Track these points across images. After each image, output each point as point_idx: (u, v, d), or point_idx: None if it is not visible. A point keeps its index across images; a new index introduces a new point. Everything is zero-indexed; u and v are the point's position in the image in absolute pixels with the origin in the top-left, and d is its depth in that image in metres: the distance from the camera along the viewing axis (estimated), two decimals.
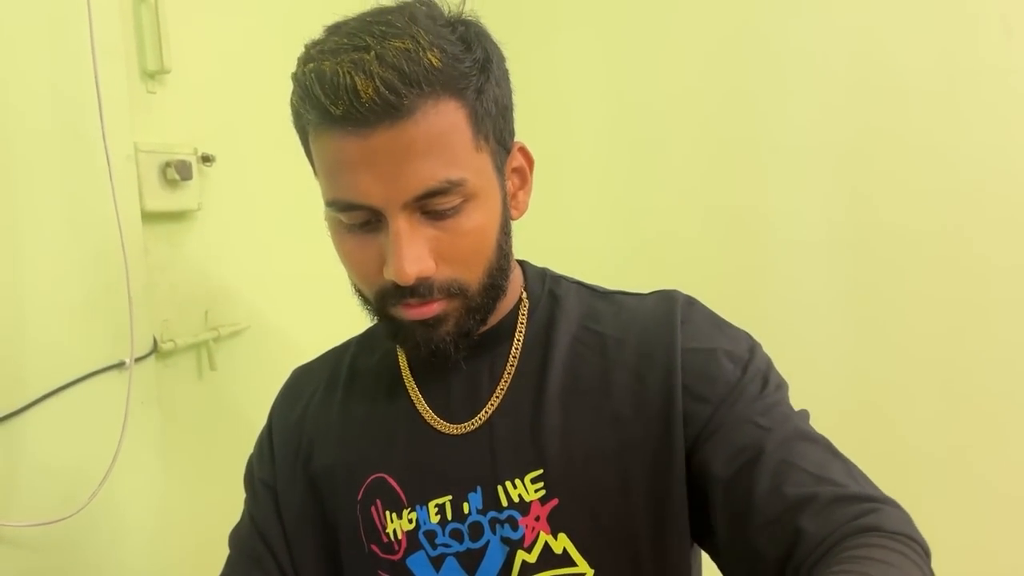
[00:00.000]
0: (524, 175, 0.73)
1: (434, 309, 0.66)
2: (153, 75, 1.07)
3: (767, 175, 1.59)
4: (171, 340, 1.09)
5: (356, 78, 0.58)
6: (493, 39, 0.68)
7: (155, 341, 1.06)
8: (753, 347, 0.72)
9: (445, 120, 0.61)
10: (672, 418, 0.67)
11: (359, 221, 0.64)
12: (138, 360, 0.99)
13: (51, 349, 0.90)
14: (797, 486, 0.61)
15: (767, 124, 1.58)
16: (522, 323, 0.75)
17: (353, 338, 0.86)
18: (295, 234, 1.39)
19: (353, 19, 0.64)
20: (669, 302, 0.74)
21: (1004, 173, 1.43)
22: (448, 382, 0.74)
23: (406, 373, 0.77)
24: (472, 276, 0.67)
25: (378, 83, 0.57)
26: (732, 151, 1.61)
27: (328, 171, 0.64)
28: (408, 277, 0.62)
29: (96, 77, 0.92)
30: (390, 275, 0.63)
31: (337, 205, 0.64)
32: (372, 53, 0.58)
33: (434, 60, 0.59)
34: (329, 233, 0.69)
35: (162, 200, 1.07)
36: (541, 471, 0.69)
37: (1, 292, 0.85)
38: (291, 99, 0.66)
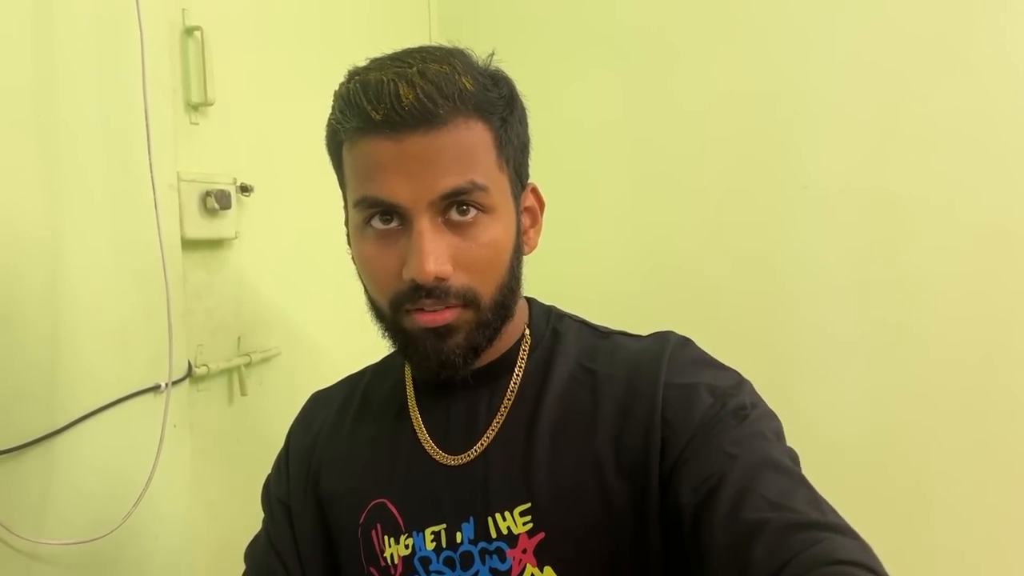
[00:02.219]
0: (535, 215, 0.78)
1: (447, 317, 0.68)
2: (197, 107, 1.11)
3: (791, 217, 1.60)
4: (204, 365, 1.11)
5: (400, 85, 0.63)
6: (517, 89, 0.74)
7: (190, 365, 1.08)
8: (740, 383, 0.71)
9: (474, 136, 0.66)
10: (650, 449, 0.68)
11: (381, 223, 0.68)
12: (174, 383, 1.01)
13: (90, 371, 0.93)
14: (753, 511, 0.59)
15: (792, 166, 1.59)
16: (522, 358, 0.77)
17: (371, 365, 0.88)
18: (327, 264, 1.41)
19: (395, 52, 0.70)
20: (662, 341, 0.75)
21: None
22: (448, 411, 0.76)
23: (411, 400, 0.80)
24: (486, 288, 0.69)
25: (419, 91, 0.63)
26: (755, 193, 1.62)
27: (359, 173, 0.68)
28: (428, 274, 0.65)
29: (146, 109, 0.95)
30: (410, 273, 0.66)
31: (364, 203, 0.68)
32: (415, 68, 0.64)
33: (468, 84, 0.66)
34: (350, 248, 0.74)
35: (201, 228, 1.09)
36: (529, 504, 0.70)
37: (44, 313, 0.87)
38: (328, 119, 0.72)
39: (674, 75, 1.67)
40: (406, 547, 0.74)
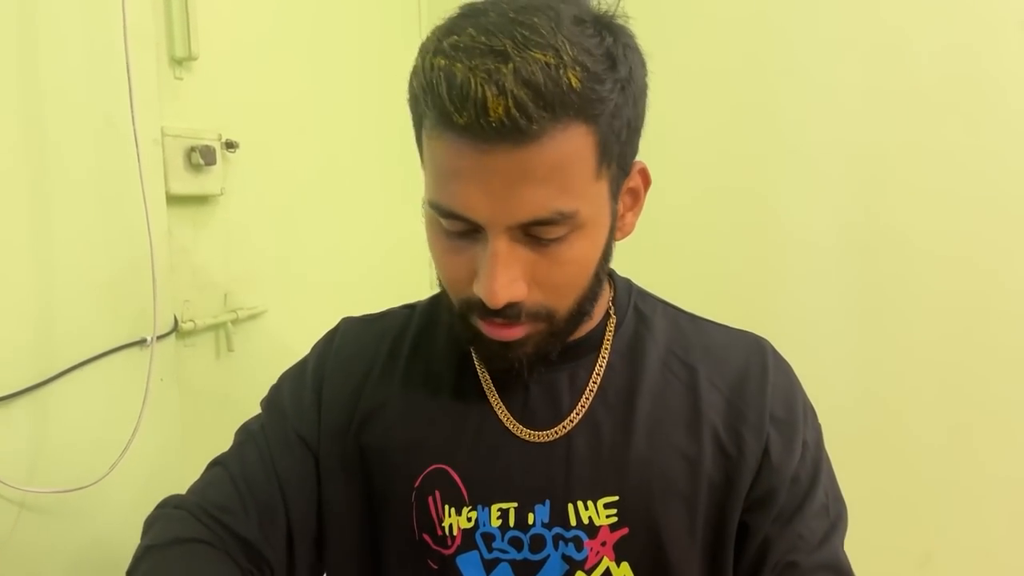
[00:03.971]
0: (637, 196, 0.69)
1: (517, 333, 0.63)
2: (181, 62, 1.10)
3: (779, 175, 1.60)
4: (191, 320, 1.12)
5: (488, 92, 0.53)
6: (639, 50, 0.63)
7: (176, 321, 1.09)
8: (819, 433, 0.75)
9: (571, 147, 0.56)
10: (744, 476, 0.69)
11: (458, 230, 0.61)
12: (159, 338, 1.02)
13: (76, 324, 0.94)
14: None
15: (780, 125, 1.59)
16: (608, 339, 0.73)
17: (411, 309, 0.82)
18: (314, 221, 1.42)
19: (495, 5, 0.58)
20: (761, 355, 0.74)
21: (1018, 176, 1.43)
22: (526, 384, 0.71)
23: (478, 362, 0.74)
24: (563, 304, 0.64)
25: (510, 102, 0.53)
26: (745, 152, 1.62)
27: (437, 173, 0.60)
28: (498, 302, 0.59)
29: (128, 63, 0.95)
30: (479, 293, 0.60)
31: (439, 210, 0.60)
32: (510, 65, 0.53)
33: (574, 81, 0.54)
34: (424, 224, 0.66)
35: (186, 184, 1.10)
36: (617, 498, 0.68)
37: (31, 268, 0.88)
38: (411, 80, 0.61)
39: (656, 38, 1.66)
40: (468, 520, 0.70)
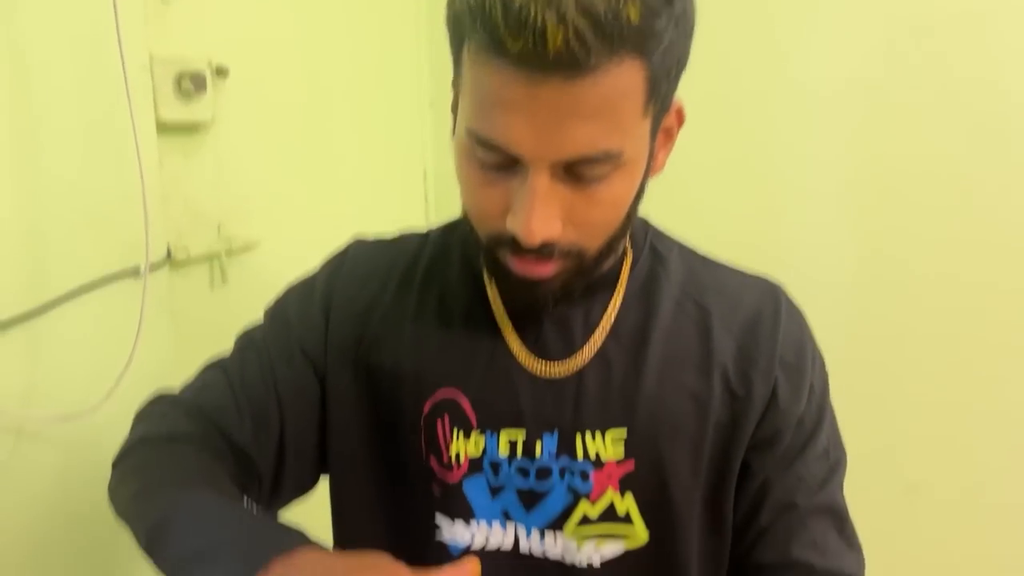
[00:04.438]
0: (671, 134, 0.68)
1: (547, 270, 0.63)
2: None
3: (777, 112, 1.58)
4: (184, 250, 1.11)
5: (548, 20, 0.50)
6: None
7: (169, 250, 1.09)
8: (826, 380, 0.76)
9: (623, 83, 0.55)
10: (750, 417, 0.71)
11: (495, 162, 0.59)
12: (152, 268, 1.02)
13: (68, 253, 0.93)
14: (799, 548, 0.71)
15: (782, 58, 1.56)
16: (624, 277, 0.73)
17: (423, 235, 0.81)
18: (309, 150, 1.40)
19: None
20: (774, 300, 0.74)
21: (1016, 121, 1.41)
22: (539, 316, 0.72)
23: (492, 294, 0.74)
24: (595, 243, 0.64)
25: (570, 32, 0.50)
26: (744, 95, 1.60)
27: (480, 100, 0.58)
28: (534, 241, 0.58)
29: None
30: (514, 229, 0.59)
31: (479, 139, 0.58)
32: None
33: (633, 15, 0.52)
34: (454, 150, 0.64)
35: (176, 111, 1.08)
36: (625, 431, 0.69)
37: (20, 196, 0.87)
38: (453, 2, 0.58)
39: None
40: (476, 446, 0.71)
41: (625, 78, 0.54)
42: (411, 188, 1.79)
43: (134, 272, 1.00)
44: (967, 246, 1.48)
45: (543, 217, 0.58)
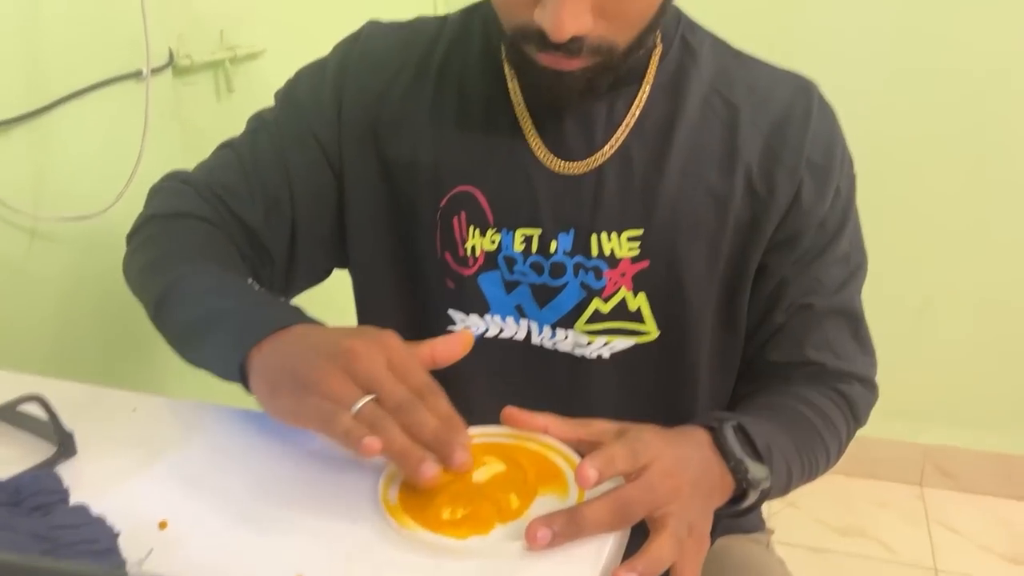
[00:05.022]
0: None
1: (575, 64, 0.61)
2: None
3: None
4: (187, 56, 1.08)
5: None
6: None
7: (171, 53, 1.06)
8: (853, 180, 0.74)
9: None
10: (771, 217, 0.69)
11: None
12: (155, 72, 1.00)
13: (68, 52, 0.91)
14: (813, 349, 0.73)
15: None
16: (652, 70, 0.70)
17: (442, 19, 0.77)
18: None
19: None
20: (807, 98, 0.71)
21: None
22: (560, 111, 0.70)
23: (513, 88, 0.71)
24: (626, 36, 0.61)
25: None
26: None
27: None
28: (564, 35, 0.56)
29: None
30: (543, 23, 0.57)
31: None
32: None
33: None
34: None
35: None
36: (641, 231, 0.69)
37: None
38: None
39: None
40: (492, 242, 0.70)
41: None
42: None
43: (137, 75, 0.98)
44: (984, 80, 1.44)
45: (573, 11, 0.56)
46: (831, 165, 0.71)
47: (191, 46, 1.10)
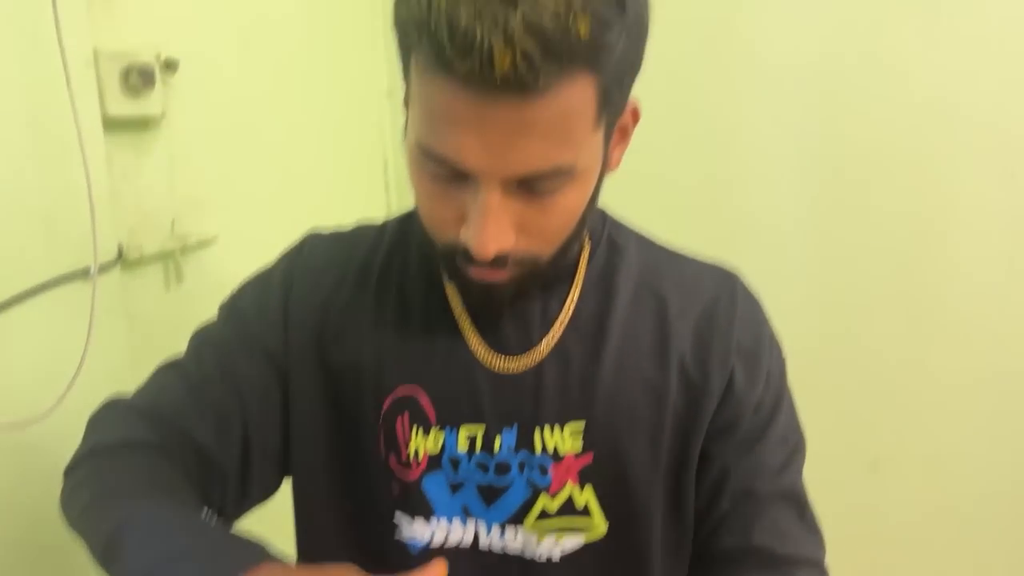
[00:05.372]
0: (626, 132, 0.67)
1: (502, 276, 0.63)
2: None
3: (742, 97, 1.59)
4: (137, 249, 1.09)
5: (495, 42, 0.49)
6: None
7: (120, 249, 1.06)
8: (783, 365, 0.76)
9: (574, 99, 0.54)
10: (708, 406, 0.71)
11: (447, 174, 0.58)
12: (103, 269, 0.99)
13: (13, 256, 0.90)
14: (760, 535, 0.71)
15: (739, 45, 1.57)
16: (582, 268, 0.73)
17: (380, 227, 0.80)
18: (265, 142, 1.38)
19: None
20: (731, 287, 0.75)
21: (971, 101, 1.43)
22: (497, 312, 0.71)
23: (451, 291, 0.73)
24: (549, 249, 0.64)
25: (518, 55, 0.49)
26: (703, 72, 1.60)
27: (428, 114, 0.56)
28: (488, 255, 0.58)
29: None
30: (468, 242, 0.59)
31: (430, 154, 0.57)
32: (519, 14, 0.49)
33: (583, 30, 0.50)
34: (406, 156, 0.63)
35: (124, 106, 1.04)
36: (583, 424, 0.69)
37: None
38: (398, 6, 0.56)
39: None
40: (436, 443, 0.70)
41: (576, 94, 0.53)
42: (371, 178, 1.77)
43: (84, 273, 0.97)
44: (923, 228, 1.51)
45: (496, 232, 0.58)
46: (760, 350, 0.73)
47: (142, 238, 1.10)
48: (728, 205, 1.63)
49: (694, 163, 1.64)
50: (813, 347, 1.59)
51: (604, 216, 0.77)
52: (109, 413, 0.74)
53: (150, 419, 0.71)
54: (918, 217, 1.50)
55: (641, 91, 0.64)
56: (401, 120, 0.64)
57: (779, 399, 0.74)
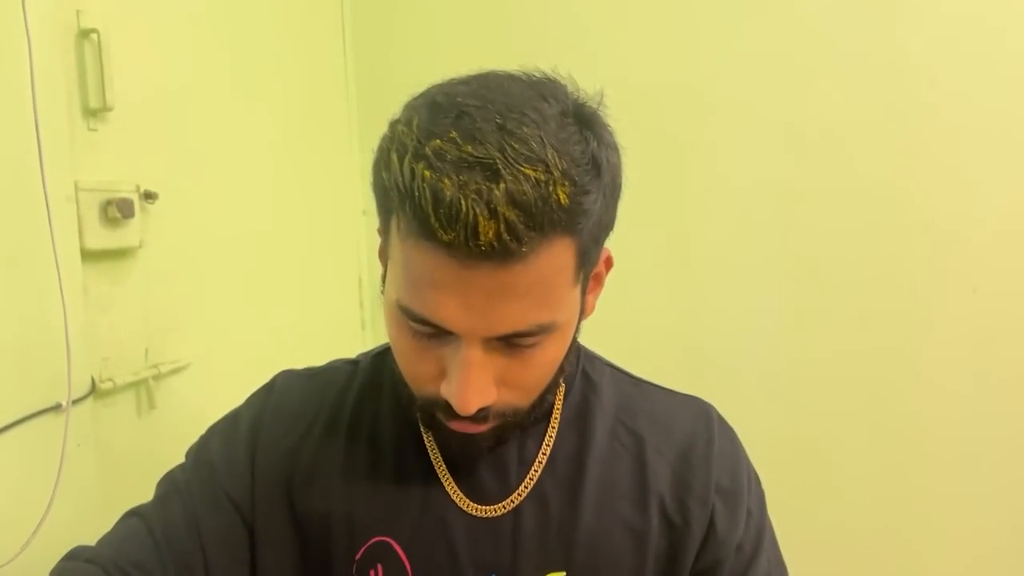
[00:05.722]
0: (600, 279, 0.68)
1: (482, 428, 0.63)
2: (95, 112, 1.06)
3: (709, 206, 1.64)
4: (110, 379, 1.07)
5: (480, 215, 0.50)
6: (616, 144, 0.62)
7: (93, 381, 1.04)
8: (763, 499, 0.76)
9: (555, 262, 0.55)
10: (690, 546, 0.70)
11: (426, 331, 0.58)
12: (75, 402, 0.98)
13: None
14: None
15: (703, 162, 1.63)
16: (557, 407, 0.72)
17: (353, 365, 0.79)
18: (238, 271, 1.39)
19: (474, 101, 0.55)
20: (707, 422, 0.75)
21: (932, 217, 1.50)
22: (474, 458, 0.71)
23: (426, 435, 0.72)
24: (529, 400, 0.65)
25: (501, 227, 0.51)
26: (669, 189, 1.66)
27: (409, 277, 0.57)
28: (470, 410, 0.58)
29: (36, 116, 0.91)
30: (449, 397, 0.59)
31: (409, 315, 0.58)
32: (502, 187, 0.51)
33: (563, 197, 0.53)
34: (384, 311, 0.63)
35: (103, 239, 1.05)
36: (563, 574, 0.68)
37: None
38: (379, 172, 0.58)
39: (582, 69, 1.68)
40: None
41: (556, 257, 0.55)
42: (347, 296, 1.78)
43: (55, 408, 0.96)
44: (889, 343, 1.54)
45: (478, 388, 0.58)
46: (739, 487, 0.72)
47: (114, 369, 1.09)
48: (697, 328, 1.66)
49: (663, 291, 1.68)
50: (787, 469, 1.59)
51: (579, 350, 0.76)
52: (72, 565, 0.71)
53: (113, 573, 0.68)
54: (884, 332, 1.55)
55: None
56: (376, 240, 0.65)
57: (760, 535, 0.73)
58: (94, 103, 1.05)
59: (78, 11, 1.04)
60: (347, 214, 1.76)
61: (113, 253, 1.10)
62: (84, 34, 1.05)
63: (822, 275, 1.58)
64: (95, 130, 1.07)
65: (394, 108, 0.61)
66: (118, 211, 1.05)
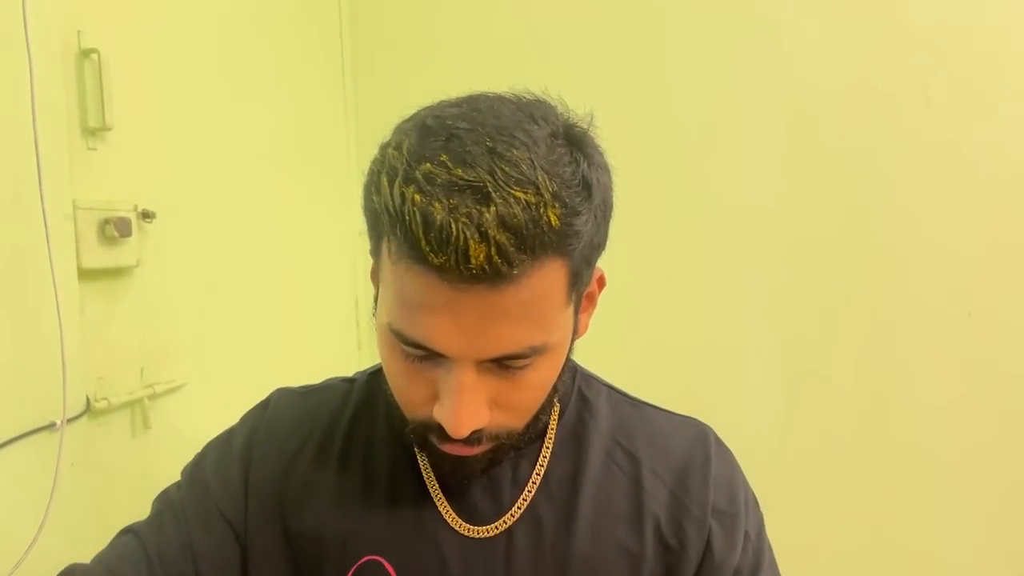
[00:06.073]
0: (593, 298, 0.67)
1: (476, 450, 0.62)
2: (95, 132, 1.07)
3: (703, 227, 1.65)
4: (105, 399, 1.07)
5: (470, 239, 0.50)
6: (606, 164, 0.61)
7: (88, 400, 1.04)
8: (761, 523, 0.75)
9: (547, 283, 0.55)
10: (685, 574, 0.69)
11: (418, 354, 0.58)
12: (70, 420, 0.97)
13: None
14: None
15: (700, 188, 1.65)
16: (552, 426, 0.71)
17: (349, 383, 0.78)
18: (234, 290, 1.39)
19: (464, 123, 0.55)
20: (704, 444, 0.74)
21: (926, 234, 1.51)
22: (467, 478, 0.69)
23: (420, 457, 0.71)
24: (523, 421, 0.64)
25: (492, 250, 0.50)
26: (666, 212, 1.67)
27: (401, 299, 0.56)
28: (463, 433, 0.58)
29: (35, 134, 0.91)
30: (442, 420, 0.58)
31: (401, 338, 0.57)
32: (493, 210, 0.50)
33: (554, 219, 0.52)
34: (376, 333, 0.62)
35: (100, 257, 1.06)
36: None
37: None
38: (370, 195, 0.57)
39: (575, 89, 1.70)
40: None
41: (547, 279, 0.55)
42: (342, 317, 1.78)
43: (50, 426, 0.95)
44: (887, 369, 1.55)
45: (471, 410, 0.58)
46: (736, 510, 0.71)
47: (109, 388, 1.09)
48: (691, 347, 1.66)
49: (655, 309, 1.68)
50: (780, 488, 1.59)
51: (575, 370, 0.76)
52: None
53: None
54: (879, 356, 1.55)
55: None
56: (370, 261, 0.65)
57: (759, 559, 0.72)
58: (93, 122, 1.06)
59: (79, 31, 1.05)
60: (343, 234, 1.77)
61: (110, 272, 1.10)
62: (85, 54, 1.06)
63: (817, 299, 1.58)
64: (94, 149, 1.07)
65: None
66: (115, 230, 1.06)
